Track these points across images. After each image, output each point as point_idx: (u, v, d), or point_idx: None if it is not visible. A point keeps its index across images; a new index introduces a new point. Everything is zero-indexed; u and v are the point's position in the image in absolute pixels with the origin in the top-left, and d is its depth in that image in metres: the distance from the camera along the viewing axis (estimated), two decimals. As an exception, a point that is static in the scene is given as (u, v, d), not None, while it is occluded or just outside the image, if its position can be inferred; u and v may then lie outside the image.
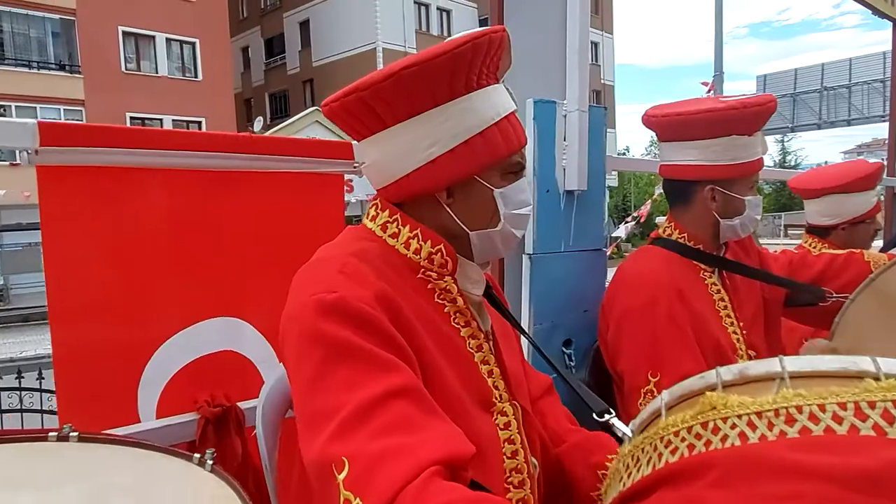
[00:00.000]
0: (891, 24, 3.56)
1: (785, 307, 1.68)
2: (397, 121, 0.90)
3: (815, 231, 2.27)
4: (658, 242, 1.58)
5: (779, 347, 1.66)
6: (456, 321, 0.94)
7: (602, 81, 33.43)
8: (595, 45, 32.62)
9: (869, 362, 0.89)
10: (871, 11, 3.32)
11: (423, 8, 25.72)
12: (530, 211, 0.99)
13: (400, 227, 0.93)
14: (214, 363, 1.22)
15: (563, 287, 1.64)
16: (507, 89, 0.97)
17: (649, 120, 1.54)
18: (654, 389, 1.37)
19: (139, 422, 1.22)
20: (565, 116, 1.59)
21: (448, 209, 0.93)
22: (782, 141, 35.18)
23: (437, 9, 26.10)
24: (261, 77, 30.01)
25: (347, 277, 0.82)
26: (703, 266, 1.54)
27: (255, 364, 1.34)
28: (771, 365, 0.60)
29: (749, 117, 1.40)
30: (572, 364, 1.64)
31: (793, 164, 41.66)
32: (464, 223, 0.93)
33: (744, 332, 1.53)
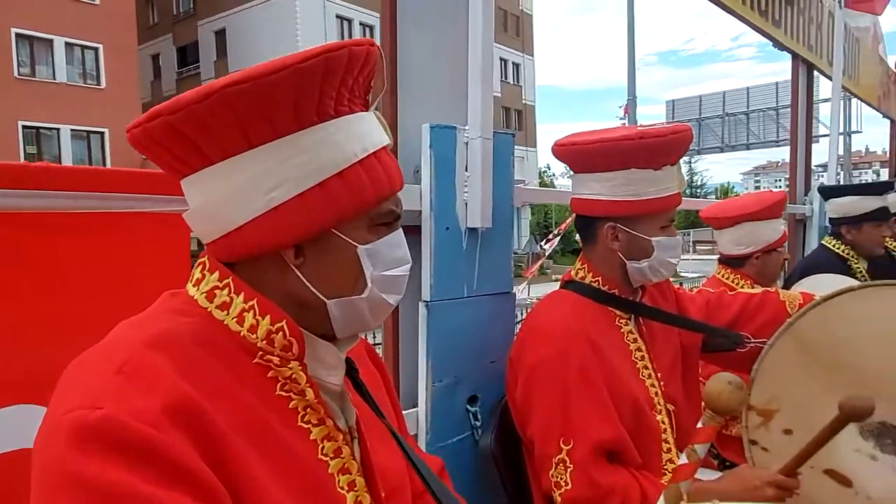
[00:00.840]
0: (789, 56, 3.67)
1: (703, 352, 1.57)
2: (225, 155, 0.67)
3: (728, 262, 2.22)
4: (570, 286, 1.43)
5: (696, 398, 1.54)
6: (306, 419, 0.72)
7: (524, 101, 34.22)
8: (517, 66, 33.42)
9: None
10: (772, 44, 3.40)
11: (345, 23, 25.41)
12: (407, 271, 0.78)
13: (232, 295, 0.70)
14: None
15: (466, 337, 1.45)
16: (379, 119, 0.77)
17: (557, 150, 1.39)
18: (567, 459, 1.21)
19: None
20: (467, 144, 1.40)
21: (297, 272, 0.71)
22: (689, 162, 37.18)
23: (361, 24, 25.84)
24: (172, 86, 28.59)
25: (127, 380, 0.58)
26: (618, 312, 1.39)
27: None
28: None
29: (649, 149, 1.26)
30: (478, 424, 1.45)
31: (699, 183, 44.37)
32: (318, 290, 0.72)
33: (661, 383, 1.40)
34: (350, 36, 25.43)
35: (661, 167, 1.28)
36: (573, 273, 1.45)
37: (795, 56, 3.57)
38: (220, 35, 26.40)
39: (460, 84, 1.43)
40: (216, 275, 0.71)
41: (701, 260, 23.08)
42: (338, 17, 24.98)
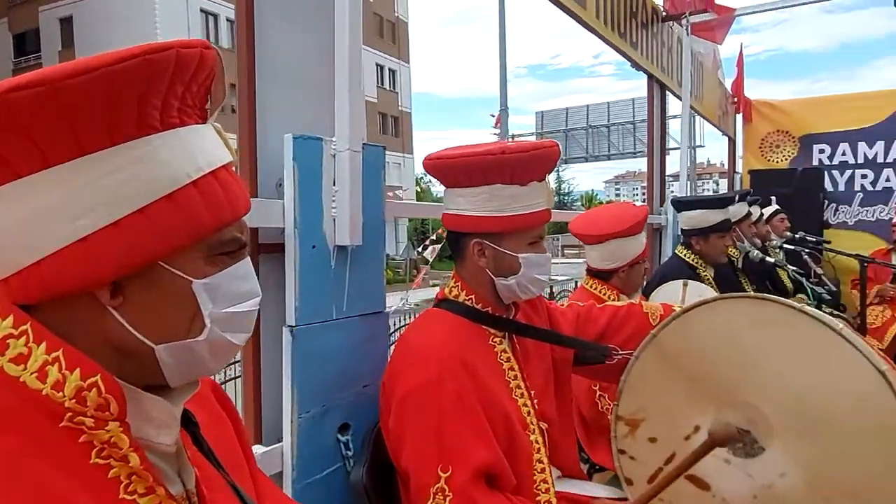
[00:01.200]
0: (644, 75, 3.93)
1: (574, 366, 1.59)
2: (16, 175, 0.54)
3: (596, 274, 2.30)
4: (444, 305, 1.38)
5: (569, 413, 1.56)
6: (130, 489, 0.59)
7: (400, 108, 34.36)
8: (393, 72, 33.49)
9: None
10: (629, 64, 3.62)
11: (211, 18, 24.04)
12: (256, 305, 0.68)
13: (31, 345, 0.57)
14: None
15: (336, 362, 1.35)
16: (220, 133, 0.66)
17: (427, 165, 1.35)
18: (446, 487, 1.15)
19: None
20: (334, 156, 1.31)
21: (115, 314, 0.59)
22: (557, 171, 39.38)
23: (227, 20, 24.57)
24: (8, 77, 25.50)
25: None
26: (492, 331, 1.36)
27: None
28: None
29: (512, 165, 1.24)
30: (350, 454, 1.36)
31: (567, 191, 47.14)
32: (143, 334, 0.60)
33: (535, 401, 1.39)
34: (216, 33, 24.16)
35: (527, 183, 1.27)
36: (447, 291, 1.41)
37: (650, 76, 3.83)
38: (67, 23, 23.92)
39: (328, 91, 1.34)
40: (9, 320, 0.57)
41: (569, 263, 24.41)
42: (202, 11, 23.60)
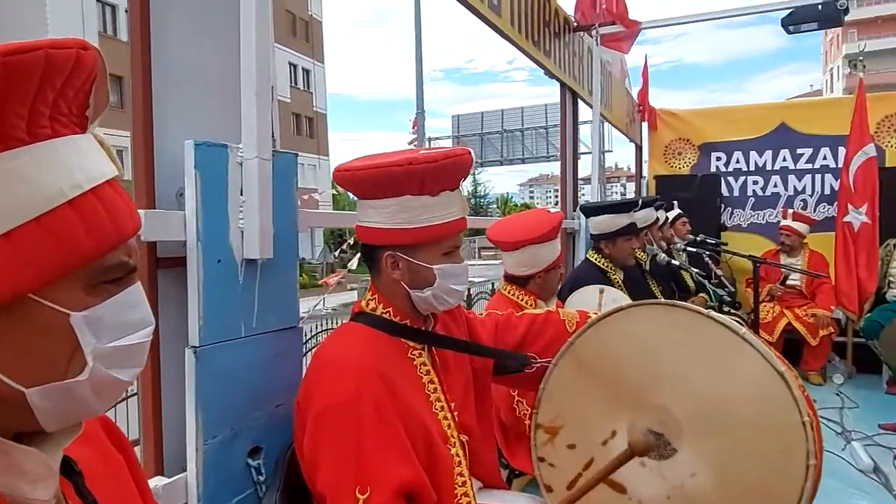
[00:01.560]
0: (555, 81, 4.03)
1: (494, 375, 1.58)
2: None
3: (513, 280, 2.31)
4: (361, 318, 1.33)
5: (489, 424, 1.55)
6: None
7: (315, 108, 33.64)
8: (307, 71, 32.75)
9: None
10: (543, 71, 3.70)
11: (109, 8, 22.54)
12: (148, 336, 0.61)
13: None
14: None
15: (246, 382, 1.27)
16: (103, 143, 0.59)
17: (337, 177, 1.30)
18: (365, 510, 1.10)
19: None
20: (241, 164, 1.23)
21: None
22: (473, 175, 39.94)
23: (126, 11, 23.14)
24: None
25: None
26: (410, 344, 1.33)
27: None
28: None
29: (420, 175, 1.21)
30: (261, 479, 1.28)
31: (482, 194, 47.87)
32: (10, 377, 0.52)
33: (455, 413, 1.37)
34: (114, 25, 22.71)
35: (438, 193, 1.24)
36: (363, 304, 1.36)
37: (563, 84, 3.93)
38: (-61, 7, 21.68)
39: (234, 94, 1.26)
40: None
41: (486, 265, 24.77)
42: (99, 0, 22.11)
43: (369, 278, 1.37)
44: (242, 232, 1.24)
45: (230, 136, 1.24)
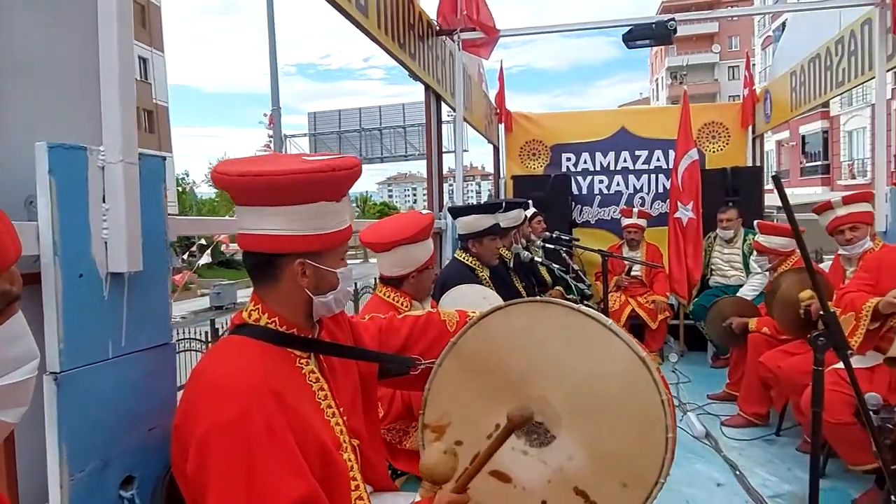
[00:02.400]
0: (411, 80, 4.09)
1: (380, 378, 1.59)
2: None
3: (388, 282, 2.33)
4: (243, 330, 1.27)
5: (377, 427, 1.56)
6: None
7: (155, 101, 31.07)
8: (144, 60, 30.13)
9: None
10: (407, 73, 3.75)
11: None
12: (34, 371, 0.55)
13: None
14: None
15: (114, 406, 1.16)
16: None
17: (222, 179, 1.21)
18: (255, 532, 1.06)
19: None
20: (103, 169, 1.12)
21: None
22: (332, 172, 39.24)
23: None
24: None
25: None
26: (297, 353, 1.30)
27: None
28: None
29: (338, 181, 1.23)
30: (136, 510, 1.18)
31: (342, 192, 47.23)
32: None
33: (345, 418, 1.36)
34: None
35: (341, 199, 1.25)
36: (245, 315, 1.30)
37: (427, 87, 4.01)
38: None
39: (92, 91, 1.14)
40: None
41: (371, 263, 24.52)
42: None
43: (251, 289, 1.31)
44: (106, 243, 1.13)
45: (89, 138, 1.12)
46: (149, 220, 1.21)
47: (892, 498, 1.50)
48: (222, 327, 11.71)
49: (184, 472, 1.13)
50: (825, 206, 3.24)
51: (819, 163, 27.98)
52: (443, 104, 4.47)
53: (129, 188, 1.14)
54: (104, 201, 1.13)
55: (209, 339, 10.88)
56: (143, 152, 1.21)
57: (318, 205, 1.21)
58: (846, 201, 3.18)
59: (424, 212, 2.59)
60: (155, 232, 1.25)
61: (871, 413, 1.75)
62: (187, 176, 39.26)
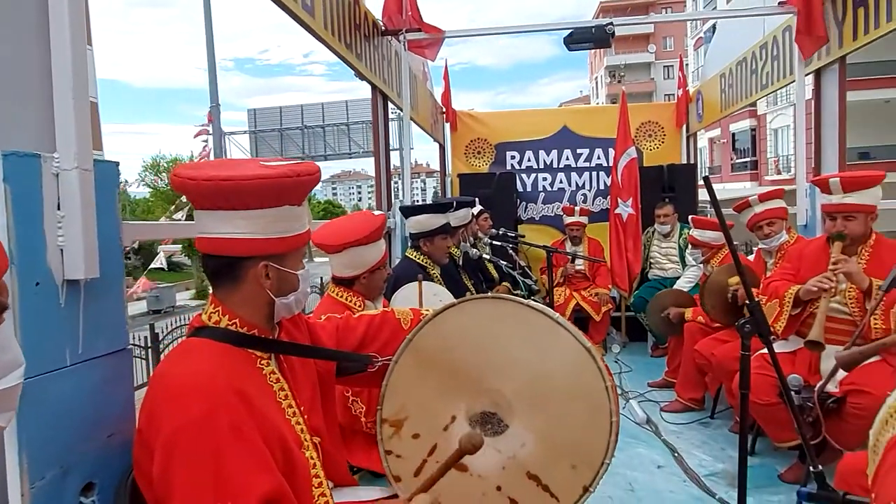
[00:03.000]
0: (352, 76, 4.10)
1: (338, 376, 1.63)
2: None
3: (340, 282, 2.36)
4: (203, 333, 1.29)
5: (335, 424, 1.59)
6: None
7: (84, 97, 29.60)
8: (71, 54, 28.66)
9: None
10: (354, 73, 3.76)
11: None
12: (20, 378, 0.57)
13: None
14: None
15: (73, 413, 1.16)
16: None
17: (184, 184, 1.21)
18: (222, 530, 1.08)
19: None
20: (57, 176, 1.12)
21: None
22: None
23: None
24: None
25: None
26: (258, 353, 1.32)
27: None
28: None
29: (302, 186, 1.27)
30: (98, 516, 1.18)
31: (284, 191, 46.34)
32: None
33: (305, 417, 1.39)
34: None
35: (302, 203, 1.29)
36: (205, 318, 1.31)
37: (374, 87, 4.03)
38: None
39: (45, 97, 1.13)
40: None
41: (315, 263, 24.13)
42: None
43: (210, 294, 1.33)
44: (62, 250, 1.13)
45: (42, 145, 1.12)
46: (104, 225, 1.21)
47: (812, 469, 1.64)
48: (162, 332, 11.35)
49: (148, 475, 1.14)
50: (744, 205, 3.49)
51: (748, 159, 29.39)
52: (389, 102, 4.51)
53: (85, 195, 1.14)
54: (59, 208, 1.12)
55: (149, 345, 10.54)
56: (97, 158, 1.21)
57: (282, 209, 1.25)
58: (762, 199, 3.43)
59: (377, 213, 2.62)
60: (110, 238, 1.25)
61: (792, 393, 1.90)
62: (120, 175, 37.47)
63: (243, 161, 1.29)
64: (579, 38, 3.96)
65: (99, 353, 1.23)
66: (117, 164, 1.31)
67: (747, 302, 1.77)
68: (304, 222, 1.32)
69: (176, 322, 12.67)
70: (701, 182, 6.73)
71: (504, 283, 4.77)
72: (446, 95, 6.53)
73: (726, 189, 25.65)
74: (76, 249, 1.13)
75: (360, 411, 2.09)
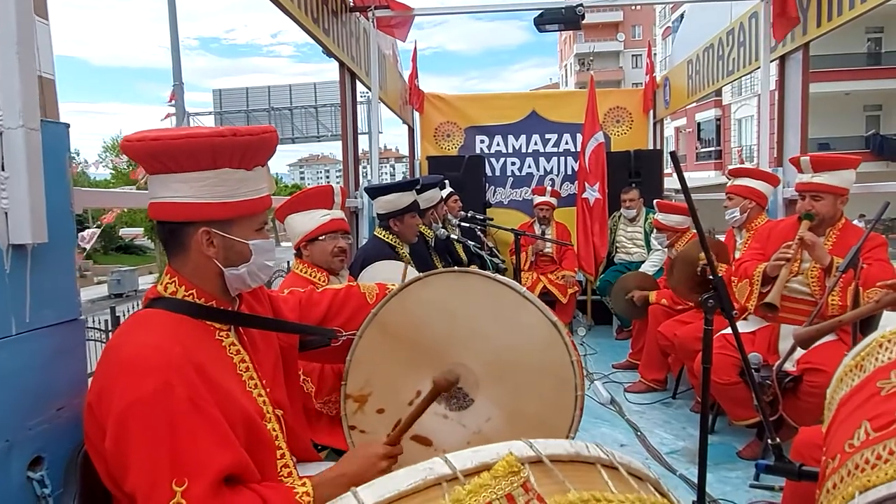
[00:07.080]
0: (322, 58, 4.04)
1: (301, 351, 1.60)
2: None
3: (297, 254, 2.39)
4: (159, 304, 1.24)
5: (298, 400, 1.57)
6: None
7: (40, 73, 28.50)
8: (25, 28, 27.51)
9: (442, 464, 0.82)
10: (322, 49, 3.68)
11: None
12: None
13: None
14: None
15: (19, 386, 1.11)
16: None
17: (130, 147, 1.16)
18: (183, 501, 1.04)
19: None
20: (1, 134, 1.06)
21: None
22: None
23: None
24: None
25: None
26: (217, 325, 1.28)
27: None
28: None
29: (240, 147, 1.20)
30: (47, 492, 1.14)
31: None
32: None
33: (267, 390, 1.36)
34: None
35: (253, 167, 1.24)
36: (160, 288, 1.26)
37: (342, 64, 3.95)
38: None
39: (-18, 52, 1.07)
40: None
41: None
42: None
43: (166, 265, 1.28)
44: (6, 213, 1.07)
45: (-17, 102, 1.05)
46: (53, 189, 1.16)
47: (770, 442, 1.68)
48: (123, 315, 11.08)
49: (100, 449, 1.10)
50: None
51: (713, 149, 29.98)
52: (358, 84, 4.43)
53: (32, 155, 1.09)
54: (3, 169, 1.06)
55: (110, 329, 10.30)
56: (45, 119, 1.15)
57: (222, 171, 1.18)
58: (732, 173, 3.56)
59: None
60: (59, 202, 1.19)
61: (753, 371, 1.93)
62: (78, 155, 36.16)
63: (198, 127, 1.24)
64: (549, 19, 3.95)
65: (48, 323, 1.17)
66: (67, 125, 1.25)
67: (710, 277, 1.80)
68: (258, 188, 1.25)
69: (137, 306, 12.36)
70: (668, 169, 6.83)
71: (473, 265, 4.77)
72: (413, 76, 6.45)
73: (691, 178, 26.12)
74: (22, 213, 1.08)
75: (311, 390, 2.06)
